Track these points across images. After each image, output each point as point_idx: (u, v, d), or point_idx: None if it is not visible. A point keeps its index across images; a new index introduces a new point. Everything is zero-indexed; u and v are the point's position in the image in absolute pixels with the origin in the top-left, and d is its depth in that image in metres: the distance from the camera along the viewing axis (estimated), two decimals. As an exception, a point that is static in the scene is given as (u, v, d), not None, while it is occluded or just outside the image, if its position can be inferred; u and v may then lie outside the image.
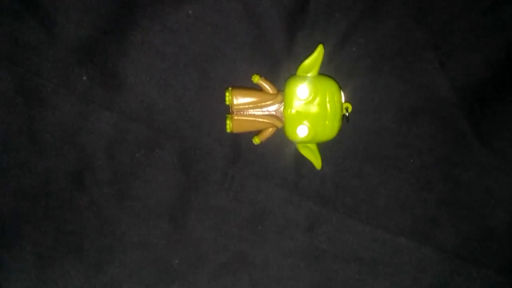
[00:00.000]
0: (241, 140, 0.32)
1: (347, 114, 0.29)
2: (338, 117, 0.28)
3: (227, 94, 0.29)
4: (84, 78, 0.33)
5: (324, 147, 0.31)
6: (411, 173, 0.32)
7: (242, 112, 0.29)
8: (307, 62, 0.28)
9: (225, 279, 0.30)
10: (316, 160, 0.30)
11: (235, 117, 0.28)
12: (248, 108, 0.29)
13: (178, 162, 0.32)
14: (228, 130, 0.29)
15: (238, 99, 0.29)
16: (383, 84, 0.32)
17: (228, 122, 0.29)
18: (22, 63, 0.31)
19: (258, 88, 0.29)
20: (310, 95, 0.28)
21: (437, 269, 0.30)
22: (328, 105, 0.28)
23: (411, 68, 0.32)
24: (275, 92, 0.29)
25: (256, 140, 0.29)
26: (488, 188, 0.31)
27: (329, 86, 0.28)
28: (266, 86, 0.29)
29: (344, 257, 0.31)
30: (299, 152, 0.31)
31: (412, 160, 0.32)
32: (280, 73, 0.31)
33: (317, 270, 0.31)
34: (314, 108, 0.28)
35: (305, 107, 0.28)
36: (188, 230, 0.31)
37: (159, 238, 0.31)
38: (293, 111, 0.28)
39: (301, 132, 0.28)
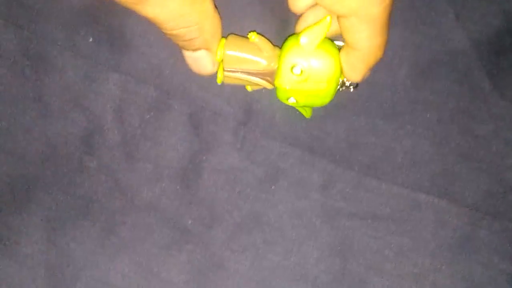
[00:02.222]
0: (252, 101, 0.32)
1: (347, 84, 0.30)
2: (332, 92, 0.29)
3: (218, 53, 0.29)
4: (90, 40, 0.33)
5: (336, 106, 0.32)
6: (427, 128, 0.32)
7: (233, 71, 0.29)
8: (307, 34, 0.28)
9: (239, 238, 0.31)
10: (305, 112, 0.30)
11: (226, 74, 0.29)
12: (239, 70, 0.29)
13: (189, 123, 0.32)
14: (219, 82, 0.30)
15: (230, 63, 0.29)
16: (396, 38, 0.32)
17: (219, 74, 0.29)
18: (27, 26, 0.32)
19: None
20: (304, 74, 0.28)
21: (457, 223, 0.31)
22: (323, 85, 0.28)
23: (425, 21, 0.33)
24: (271, 53, 0.29)
25: (248, 88, 0.30)
26: (507, 141, 0.32)
27: (328, 63, 0.28)
28: (263, 46, 0.29)
29: (360, 215, 0.31)
30: (312, 113, 0.31)
31: (428, 115, 0.33)
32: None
33: (333, 229, 0.31)
34: (307, 86, 0.28)
35: (297, 84, 0.28)
36: (201, 191, 0.32)
37: (172, 199, 0.31)
38: (285, 86, 0.28)
39: (291, 101, 0.29)
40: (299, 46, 0.28)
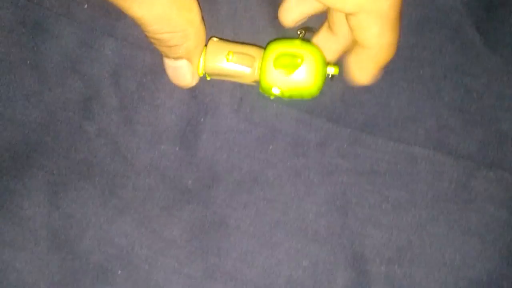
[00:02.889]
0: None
1: (330, 75, 0.30)
2: (318, 87, 0.29)
3: (199, 65, 0.30)
4: (86, 6, 0.34)
5: (332, 66, 0.32)
6: (421, 84, 0.33)
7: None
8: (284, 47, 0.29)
9: (239, 197, 0.32)
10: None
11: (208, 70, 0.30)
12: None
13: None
14: (200, 75, 0.31)
15: (212, 74, 0.31)
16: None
17: (199, 65, 0.30)
18: (22, -7, 0.33)
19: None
20: (287, 71, 0.29)
21: (453, 175, 0.32)
22: (306, 79, 0.29)
23: (417, -22, 0.33)
24: (253, 63, 0.30)
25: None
26: (499, 93, 0.33)
27: (312, 59, 0.29)
28: (242, 62, 0.30)
29: (357, 171, 0.32)
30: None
31: (421, 72, 0.33)
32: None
33: (331, 185, 0.32)
34: (291, 82, 0.29)
35: (281, 80, 0.29)
36: (200, 152, 0.32)
37: (171, 161, 0.32)
38: (268, 82, 0.29)
39: (275, 91, 0.30)
40: (283, 43, 0.29)
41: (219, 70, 0.30)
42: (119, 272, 0.32)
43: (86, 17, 0.33)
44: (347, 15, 0.27)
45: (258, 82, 0.30)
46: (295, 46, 0.29)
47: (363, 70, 0.29)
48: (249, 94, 0.33)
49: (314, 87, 0.29)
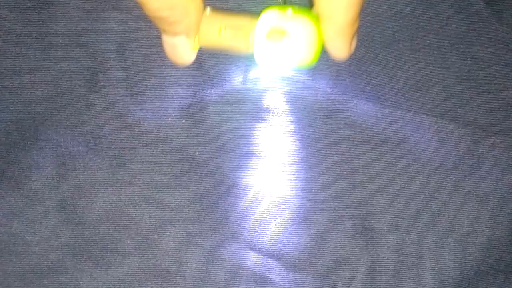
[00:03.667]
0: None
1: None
2: (314, 56, 0.29)
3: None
4: (90, -21, 0.34)
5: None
6: (428, 53, 0.34)
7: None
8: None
9: (246, 167, 0.33)
10: None
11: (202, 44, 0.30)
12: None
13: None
14: (195, 49, 0.30)
15: (207, 47, 0.30)
16: (394, -33, 0.33)
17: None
18: (27, -33, 0.33)
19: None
20: (280, 46, 0.28)
21: (460, 142, 0.32)
22: (300, 53, 0.28)
23: None
24: (248, 34, 0.29)
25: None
26: (506, 62, 0.33)
27: (305, 30, 0.28)
28: (234, 42, 0.29)
29: (364, 140, 0.33)
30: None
31: (428, 41, 0.34)
32: None
33: (338, 155, 0.33)
34: (285, 56, 0.29)
35: (276, 54, 0.29)
36: (207, 123, 0.33)
37: (178, 132, 0.33)
38: (262, 56, 0.29)
39: (272, 65, 0.30)
40: (276, 15, 0.28)
41: (213, 45, 0.30)
42: (128, 242, 0.32)
43: (91, -10, 0.34)
44: None
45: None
46: (288, 18, 0.28)
47: (336, 46, 0.29)
48: (254, 65, 0.34)
49: (312, 60, 0.29)
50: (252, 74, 0.34)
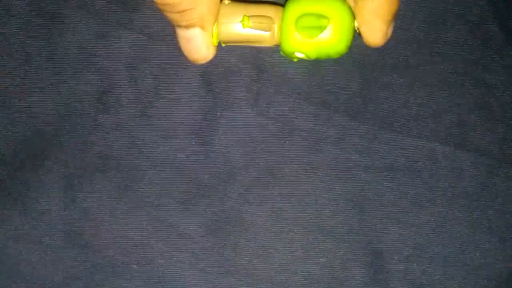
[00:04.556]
0: (265, 57, 0.33)
1: (358, 30, 0.28)
2: (347, 44, 0.28)
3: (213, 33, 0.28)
4: (102, -2, 0.34)
5: (350, 61, 0.33)
6: (441, 80, 0.33)
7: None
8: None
9: (256, 192, 0.32)
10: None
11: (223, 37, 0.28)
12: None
13: (202, 80, 0.33)
14: (215, 44, 0.29)
15: (227, 41, 0.28)
16: (409, -9, 0.33)
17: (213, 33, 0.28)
18: (38, -16, 0.33)
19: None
20: (312, 34, 0.27)
21: (474, 172, 0.32)
22: (334, 40, 0.27)
23: (437, -28, 0.33)
24: (273, 22, 0.28)
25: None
26: (521, 90, 0.33)
27: (339, 16, 0.27)
28: (259, 33, 0.28)
29: (376, 167, 0.32)
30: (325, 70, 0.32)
31: (442, 67, 0.34)
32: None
33: (349, 181, 0.32)
34: (316, 44, 0.27)
35: (306, 43, 0.27)
36: (216, 146, 0.32)
37: (187, 155, 0.32)
38: (291, 46, 0.28)
39: (299, 55, 0.28)
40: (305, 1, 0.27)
41: (235, 37, 0.28)
42: (134, 266, 0.32)
43: (102, 9, 0.34)
44: None
45: (278, 45, 0.29)
46: (317, 3, 0.27)
47: (372, 30, 0.27)
48: (266, 88, 0.33)
49: (343, 47, 0.28)
50: (264, 97, 0.33)
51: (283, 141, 0.33)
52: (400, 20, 0.34)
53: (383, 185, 0.33)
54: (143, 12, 0.33)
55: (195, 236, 0.32)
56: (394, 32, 0.34)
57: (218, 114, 0.33)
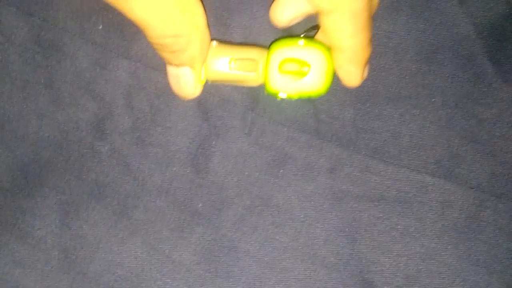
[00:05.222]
0: (259, 87, 0.34)
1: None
2: (328, 86, 0.30)
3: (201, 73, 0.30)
4: (100, 27, 0.35)
5: (343, 91, 0.34)
6: (432, 112, 0.34)
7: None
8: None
9: (249, 221, 0.33)
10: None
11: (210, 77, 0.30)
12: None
13: (198, 109, 0.34)
14: (202, 83, 0.30)
15: (215, 80, 0.30)
16: (402, 24, 0.34)
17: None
18: (38, 13, 0.34)
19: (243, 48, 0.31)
20: (295, 78, 0.29)
21: (463, 204, 0.33)
22: (316, 83, 0.29)
23: (430, 7, 0.34)
24: (258, 66, 0.30)
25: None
26: (511, 124, 0.33)
27: (320, 61, 0.29)
28: (244, 73, 0.30)
29: (367, 197, 0.33)
30: (318, 99, 0.33)
31: (433, 99, 0.34)
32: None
33: (341, 211, 0.33)
34: (299, 86, 0.29)
35: (288, 85, 0.29)
36: (211, 175, 0.33)
37: (182, 183, 0.33)
38: (274, 87, 0.29)
39: (282, 95, 0.30)
40: (288, 46, 0.29)
41: (222, 77, 0.30)
42: (129, 294, 0.32)
43: (100, 38, 0.34)
44: (321, 16, 0.28)
45: (263, 85, 0.30)
46: (300, 48, 0.29)
47: (348, 74, 0.30)
48: (260, 118, 0.34)
49: (323, 89, 0.30)
50: (258, 127, 0.34)
51: (276, 170, 0.34)
52: (393, 52, 0.35)
53: (374, 215, 0.33)
54: (141, 41, 0.34)
55: (188, 264, 0.33)
56: (387, 64, 0.35)
57: (213, 142, 0.34)
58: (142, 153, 0.34)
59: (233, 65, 0.29)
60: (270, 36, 0.34)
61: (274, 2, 0.32)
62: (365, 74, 0.30)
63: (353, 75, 0.30)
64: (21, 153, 0.34)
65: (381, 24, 0.34)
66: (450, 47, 0.35)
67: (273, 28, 0.34)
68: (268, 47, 0.30)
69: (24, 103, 0.34)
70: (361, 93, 0.34)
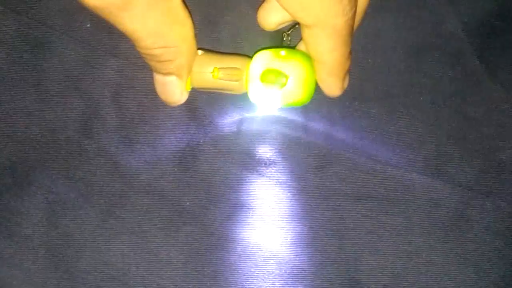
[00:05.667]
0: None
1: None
2: (309, 95, 0.30)
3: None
4: (88, 25, 0.35)
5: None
6: (421, 110, 0.34)
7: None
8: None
9: (236, 219, 0.33)
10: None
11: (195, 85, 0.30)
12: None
13: (185, 107, 0.34)
14: (188, 89, 0.31)
15: (200, 87, 0.31)
16: (390, 22, 0.34)
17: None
18: (26, 12, 0.34)
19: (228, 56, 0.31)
20: (275, 87, 0.29)
21: (450, 203, 0.33)
22: (296, 92, 0.29)
23: (418, 4, 0.34)
24: (241, 75, 0.30)
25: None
26: (498, 122, 0.34)
27: (300, 71, 0.29)
28: (228, 83, 0.30)
29: (355, 196, 0.33)
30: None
31: (421, 98, 0.34)
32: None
33: (329, 209, 0.33)
34: (280, 96, 0.30)
35: (270, 94, 0.30)
36: (198, 173, 0.33)
37: (169, 181, 0.33)
38: (256, 96, 0.30)
39: (265, 104, 0.31)
40: (269, 56, 0.29)
41: (207, 85, 0.30)
42: (116, 292, 0.32)
43: (88, 36, 0.34)
44: (302, 28, 0.28)
45: (246, 93, 0.31)
46: (281, 59, 0.29)
47: (328, 86, 0.30)
48: (248, 116, 0.34)
49: (305, 98, 0.30)
50: (246, 125, 0.34)
51: (264, 168, 0.34)
52: (381, 50, 0.35)
53: (362, 213, 0.33)
54: (128, 39, 0.34)
55: (175, 262, 0.33)
56: (375, 62, 0.35)
57: (201, 141, 0.34)
58: (130, 151, 0.34)
59: (216, 75, 0.30)
60: (258, 34, 0.34)
61: (262, 6, 0.32)
62: (345, 84, 0.31)
63: (332, 86, 0.30)
64: (8, 152, 0.33)
65: (370, 22, 0.34)
66: (438, 45, 0.35)
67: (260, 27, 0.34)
68: (251, 56, 0.31)
69: (11, 101, 0.34)
70: (350, 91, 0.34)
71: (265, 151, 0.34)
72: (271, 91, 0.29)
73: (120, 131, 0.34)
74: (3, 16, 0.34)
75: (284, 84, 0.29)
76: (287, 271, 0.33)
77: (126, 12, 0.25)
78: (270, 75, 0.29)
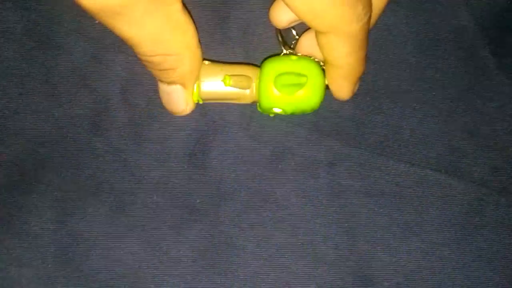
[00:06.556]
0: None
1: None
2: (321, 101, 0.30)
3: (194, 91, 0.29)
4: (96, 22, 0.34)
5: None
6: (433, 106, 0.33)
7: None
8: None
9: (247, 217, 0.32)
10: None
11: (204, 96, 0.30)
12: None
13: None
14: (195, 101, 0.30)
15: (208, 99, 0.30)
16: (402, 17, 0.34)
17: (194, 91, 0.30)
18: (35, 8, 0.34)
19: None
20: (290, 91, 0.29)
21: (464, 199, 0.32)
22: (311, 97, 0.29)
23: (430, -1, 0.33)
24: (251, 83, 0.29)
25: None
26: (512, 117, 0.33)
27: (315, 75, 0.29)
28: (239, 91, 0.29)
29: (367, 192, 0.32)
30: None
31: (434, 93, 0.34)
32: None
33: (340, 206, 0.33)
34: (294, 101, 0.29)
35: (283, 100, 0.29)
36: (209, 170, 0.33)
37: (180, 179, 0.33)
38: (269, 103, 0.29)
39: (276, 110, 0.30)
40: (281, 61, 0.29)
41: (216, 95, 0.30)
42: (126, 291, 0.32)
43: (96, 33, 0.34)
44: (317, 33, 0.27)
45: (256, 102, 0.30)
46: (293, 62, 0.29)
47: (339, 89, 0.30)
48: (259, 112, 0.34)
49: (317, 102, 0.29)
50: (257, 122, 0.34)
51: (275, 165, 0.33)
52: (393, 45, 0.34)
53: (374, 210, 0.33)
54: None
55: (186, 260, 0.32)
56: (387, 57, 0.34)
57: (211, 138, 0.34)
58: (139, 148, 0.33)
59: (228, 82, 0.29)
60: (268, 30, 0.34)
61: (274, 4, 0.31)
62: (356, 87, 0.30)
63: (345, 89, 0.30)
64: (17, 150, 0.33)
65: (381, 17, 0.34)
66: (450, 39, 0.34)
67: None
68: (259, 65, 0.30)
69: (20, 98, 0.33)
70: (361, 86, 0.34)
71: (275, 148, 0.34)
72: (285, 96, 0.28)
73: (130, 128, 0.33)
74: (12, 12, 0.33)
75: (304, 85, 0.28)
76: (299, 269, 0.32)
77: (123, 17, 0.24)
78: (287, 78, 0.28)
